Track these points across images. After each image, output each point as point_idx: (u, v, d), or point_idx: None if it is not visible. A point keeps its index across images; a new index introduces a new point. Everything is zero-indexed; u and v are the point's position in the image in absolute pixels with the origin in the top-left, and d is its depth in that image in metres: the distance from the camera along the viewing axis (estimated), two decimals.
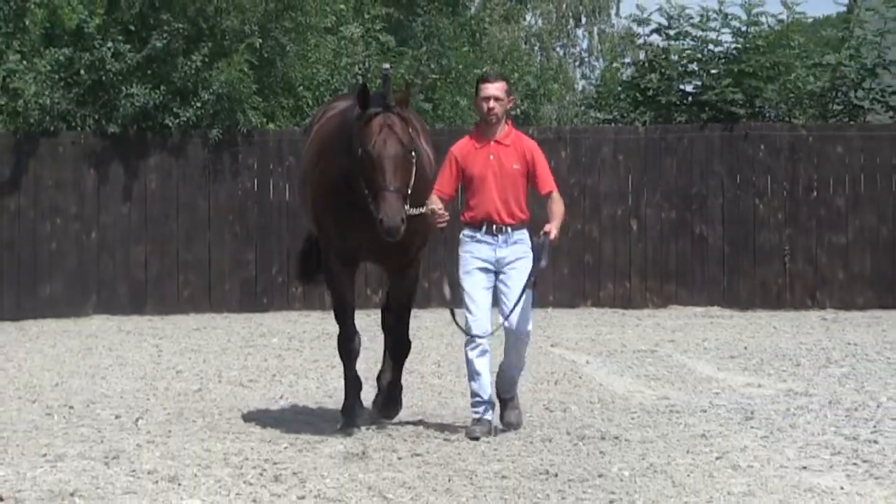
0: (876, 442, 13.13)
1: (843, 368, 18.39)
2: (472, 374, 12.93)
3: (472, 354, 12.87)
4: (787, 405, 15.39)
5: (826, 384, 17.02)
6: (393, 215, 12.00)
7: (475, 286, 12.89)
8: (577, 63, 58.20)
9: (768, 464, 12.22)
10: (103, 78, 26.62)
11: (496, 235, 12.83)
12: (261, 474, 11.94)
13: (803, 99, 28.80)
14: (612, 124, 29.34)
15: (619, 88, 31.08)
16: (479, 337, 12.79)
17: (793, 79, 28.73)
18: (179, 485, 11.50)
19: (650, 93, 29.22)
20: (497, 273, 12.93)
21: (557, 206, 12.92)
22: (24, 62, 26.62)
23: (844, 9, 31.69)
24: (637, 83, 29.94)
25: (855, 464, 12.17)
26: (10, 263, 26.59)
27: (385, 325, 14.51)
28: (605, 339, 21.97)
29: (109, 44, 26.52)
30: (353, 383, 13.86)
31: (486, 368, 12.94)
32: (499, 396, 13.27)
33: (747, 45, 29.29)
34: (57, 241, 26.77)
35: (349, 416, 13.68)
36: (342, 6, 31.51)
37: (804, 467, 12.05)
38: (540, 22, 52.30)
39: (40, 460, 12.58)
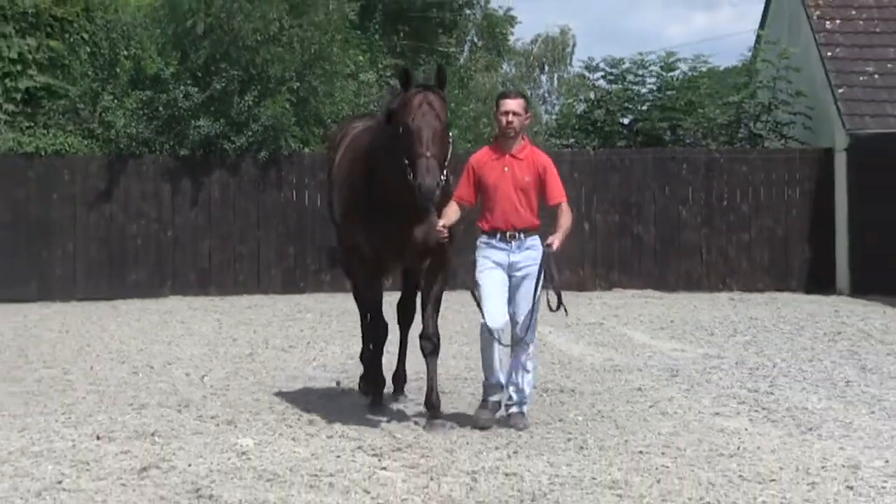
0: (772, 394, 13.23)
1: (746, 337, 18.39)
2: (487, 364, 11.42)
3: (485, 348, 11.36)
4: (703, 365, 15.41)
5: (734, 349, 17.01)
6: (430, 179, 10.47)
7: (490, 282, 11.25)
8: (541, 101, 58.11)
9: (689, 410, 12.26)
10: (176, 113, 26.57)
11: (509, 242, 11.25)
12: (298, 419, 12.00)
13: (714, 129, 28.82)
14: (569, 149, 29.39)
15: (574, 121, 31.08)
16: (496, 330, 11.15)
17: (705, 113, 28.82)
18: (235, 427, 11.63)
19: (598, 124, 29.33)
20: (510, 276, 11.35)
21: (564, 218, 11.44)
22: (116, 101, 26.55)
23: (748, 59, 31.59)
24: (588, 117, 29.98)
25: (756, 410, 12.28)
26: (105, 256, 26.50)
27: (401, 322, 13.14)
28: (563, 314, 21.80)
29: (181, 87, 26.47)
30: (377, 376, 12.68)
31: (497, 356, 11.36)
32: (505, 407, 11.52)
33: (666, 88, 29.55)
34: (141, 238, 26.72)
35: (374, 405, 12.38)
36: (360, 58, 31.43)
37: (717, 413, 12.13)
38: (513, 70, 52.14)
39: (128, 408, 12.74)
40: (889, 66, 27.99)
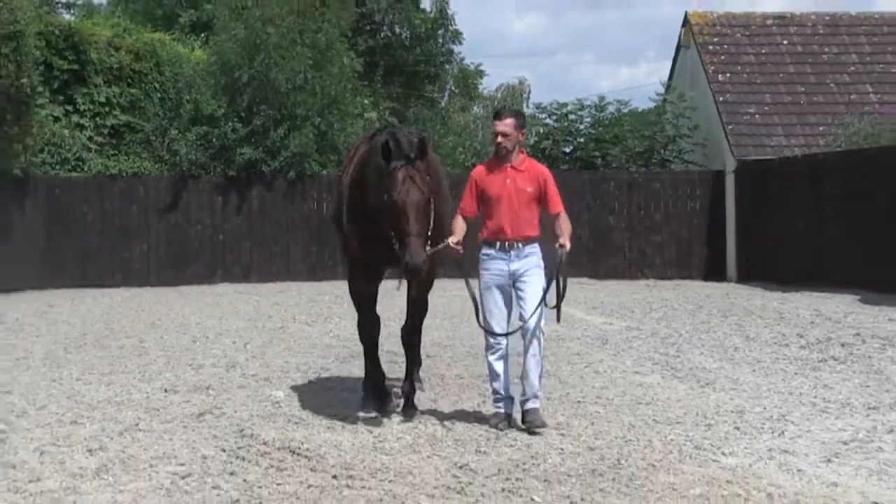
0: (679, 357, 13.23)
1: (659, 314, 18.34)
2: (493, 375, 9.30)
3: (492, 359, 9.25)
4: (626, 335, 15.39)
5: (649, 323, 16.98)
6: (416, 257, 8.56)
7: (493, 302, 9.19)
8: None
9: (615, 370, 12.26)
10: (225, 143, 26.52)
11: (508, 252, 9.15)
12: (318, 377, 11.93)
13: (634, 156, 28.87)
14: None
15: (528, 149, 30.93)
16: (499, 336, 9.20)
17: (627, 144, 28.89)
18: (270, 382, 11.53)
19: (546, 152, 29.33)
20: (513, 283, 9.23)
21: (566, 224, 9.34)
22: (180, 134, 26.53)
23: (659, 102, 31.61)
24: (538, 146, 29.96)
25: (666, 370, 12.25)
26: (171, 253, 26.43)
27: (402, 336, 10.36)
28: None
29: (229, 123, 26.46)
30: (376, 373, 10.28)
31: (504, 370, 9.27)
32: (521, 403, 9.31)
33: (598, 125, 29.71)
34: (198, 240, 26.65)
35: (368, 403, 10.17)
36: (365, 101, 31.44)
37: (637, 372, 12.11)
38: (482, 111, 52.02)
39: (188, 368, 12.73)
40: (766, 108, 28.14)
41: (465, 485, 7.38)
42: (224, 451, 8.42)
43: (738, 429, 9.07)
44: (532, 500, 7.05)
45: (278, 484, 7.43)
